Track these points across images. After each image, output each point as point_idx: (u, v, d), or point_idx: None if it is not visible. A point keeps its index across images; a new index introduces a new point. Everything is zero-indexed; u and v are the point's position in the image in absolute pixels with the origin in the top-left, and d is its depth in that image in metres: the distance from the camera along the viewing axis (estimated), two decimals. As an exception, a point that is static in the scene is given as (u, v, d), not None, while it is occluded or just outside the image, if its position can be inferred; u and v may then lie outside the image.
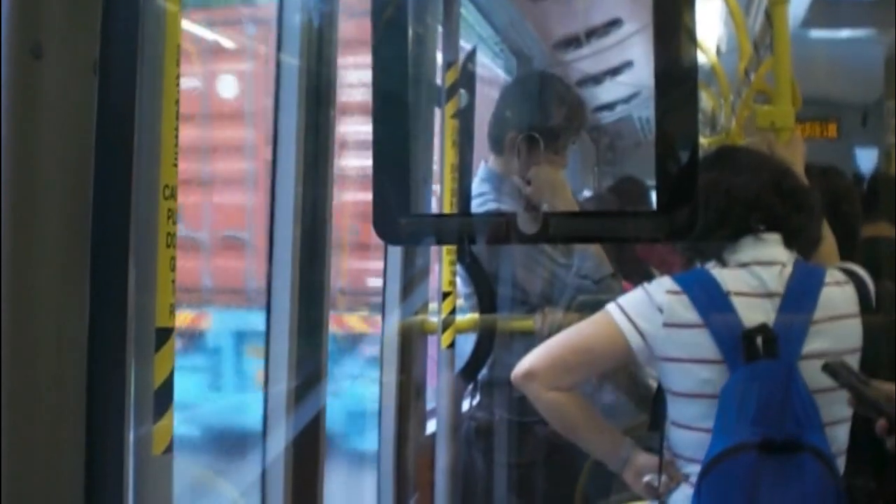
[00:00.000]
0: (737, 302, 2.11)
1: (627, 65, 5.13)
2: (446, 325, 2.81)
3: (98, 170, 1.26)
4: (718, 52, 5.49)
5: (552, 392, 2.19)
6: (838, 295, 2.16)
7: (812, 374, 2.05)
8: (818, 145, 7.14)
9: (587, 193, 6.40)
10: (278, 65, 2.31)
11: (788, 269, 2.14)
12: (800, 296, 2.12)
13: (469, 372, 3.02)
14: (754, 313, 2.10)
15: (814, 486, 2.03)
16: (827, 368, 1.96)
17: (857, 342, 2.16)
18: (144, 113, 1.29)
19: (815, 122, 7.42)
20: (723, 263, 2.17)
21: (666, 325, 2.13)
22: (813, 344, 2.10)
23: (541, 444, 3.00)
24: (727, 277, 2.14)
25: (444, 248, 2.77)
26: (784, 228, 2.17)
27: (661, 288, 2.16)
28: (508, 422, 3.05)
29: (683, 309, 2.12)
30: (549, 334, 2.45)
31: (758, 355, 2.06)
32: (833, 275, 2.19)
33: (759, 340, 2.06)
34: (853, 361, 2.13)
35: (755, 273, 2.14)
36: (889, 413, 1.85)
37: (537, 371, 2.19)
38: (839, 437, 2.13)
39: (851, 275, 2.21)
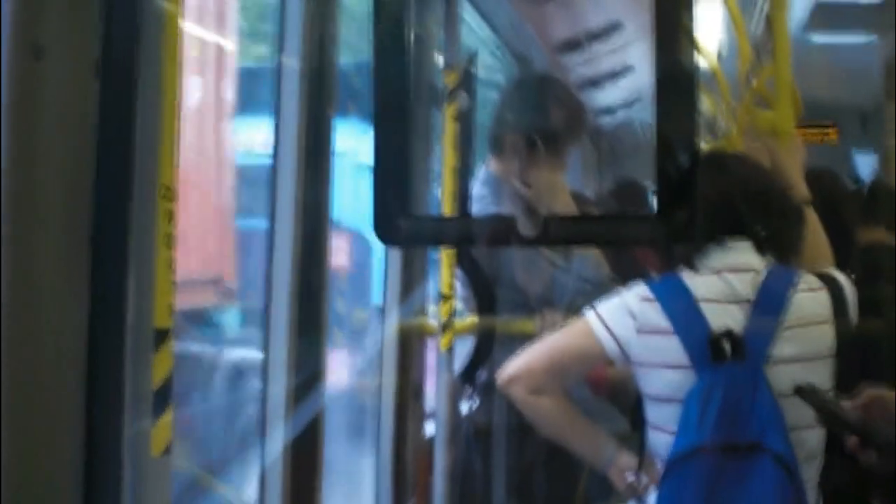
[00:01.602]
0: (706, 308, 2.14)
1: (627, 69, 5.13)
2: (445, 327, 2.81)
3: (98, 170, 1.27)
4: (719, 56, 5.49)
5: (535, 396, 2.23)
6: (810, 300, 2.17)
7: (780, 378, 2.08)
8: (818, 150, 7.14)
9: (588, 195, 6.40)
10: (279, 65, 2.31)
11: (761, 275, 2.16)
12: (770, 301, 2.14)
13: (468, 375, 3.02)
14: (723, 319, 2.12)
15: (772, 490, 2.04)
16: (798, 392, 1.99)
17: (828, 348, 2.17)
18: (144, 114, 1.29)
19: (814, 126, 7.42)
20: (695, 269, 2.19)
21: (639, 331, 2.17)
22: (781, 348, 2.12)
23: (540, 447, 3.00)
24: (698, 284, 2.17)
25: (444, 250, 2.77)
26: (755, 234, 2.19)
27: (635, 294, 2.21)
28: (507, 424, 3.05)
29: (655, 315, 2.16)
30: None
31: (724, 359, 2.09)
32: (807, 280, 2.20)
33: (725, 344, 2.09)
34: (825, 367, 2.16)
35: (726, 279, 2.16)
36: (861, 430, 1.86)
37: (519, 376, 2.24)
38: (808, 441, 2.14)
39: (830, 280, 2.22)
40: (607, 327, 2.19)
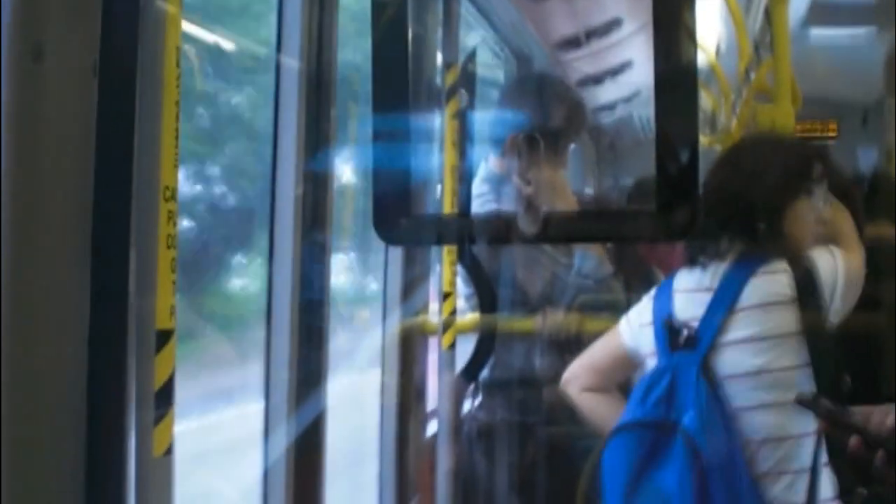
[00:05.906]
0: (679, 298, 2.28)
1: (627, 65, 5.13)
2: (447, 325, 2.81)
3: (98, 171, 1.26)
4: (718, 51, 5.49)
5: (584, 393, 2.44)
6: (766, 283, 2.22)
7: (732, 360, 2.19)
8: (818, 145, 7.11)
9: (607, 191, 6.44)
10: (278, 65, 2.31)
11: (726, 264, 2.25)
12: (727, 288, 2.25)
13: (470, 373, 3.01)
14: (690, 308, 2.25)
15: (679, 468, 2.17)
16: (800, 401, 1.99)
17: (790, 328, 2.20)
18: (144, 114, 1.29)
19: (815, 121, 7.42)
20: (692, 263, 2.31)
21: (640, 325, 2.34)
22: (732, 333, 2.20)
23: (542, 446, 3.00)
24: (685, 275, 2.30)
25: (445, 248, 2.77)
26: (728, 226, 2.26)
27: (652, 290, 2.36)
28: (509, 423, 3.05)
29: (648, 308, 2.33)
30: (549, 334, 2.76)
31: (677, 346, 2.24)
32: (770, 264, 2.23)
33: (676, 332, 2.24)
34: (785, 346, 2.19)
35: (705, 269, 2.27)
36: (871, 435, 1.84)
37: (571, 376, 2.46)
38: (765, 422, 2.17)
39: (802, 261, 2.23)
40: (630, 325, 2.36)
